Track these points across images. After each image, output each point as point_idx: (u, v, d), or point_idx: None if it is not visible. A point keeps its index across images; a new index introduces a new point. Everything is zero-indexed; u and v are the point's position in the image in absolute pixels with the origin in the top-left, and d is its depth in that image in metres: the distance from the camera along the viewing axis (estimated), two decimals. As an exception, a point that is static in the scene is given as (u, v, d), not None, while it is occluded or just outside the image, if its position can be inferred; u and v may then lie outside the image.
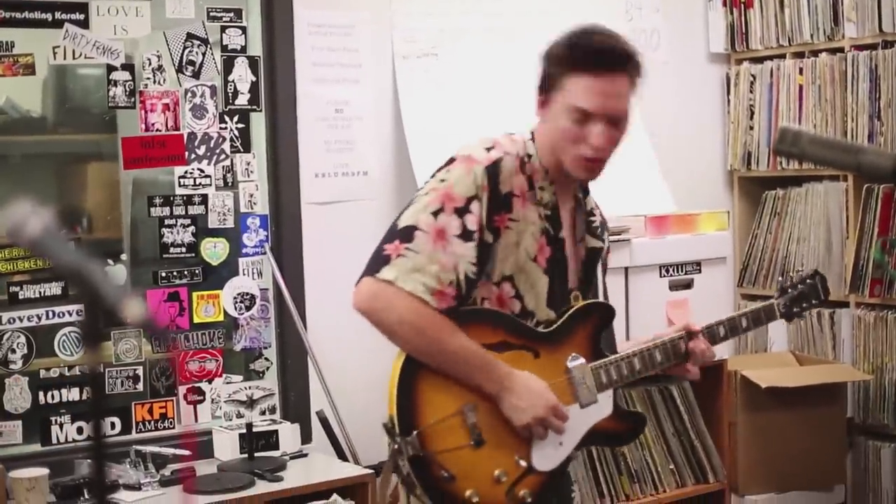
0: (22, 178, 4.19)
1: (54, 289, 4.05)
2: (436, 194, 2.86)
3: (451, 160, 2.92)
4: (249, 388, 4.43)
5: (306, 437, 4.40)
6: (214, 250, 4.38)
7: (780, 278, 3.39)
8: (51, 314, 4.06)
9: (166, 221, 4.29)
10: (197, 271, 4.35)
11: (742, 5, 5.59)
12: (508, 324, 2.92)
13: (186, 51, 4.29)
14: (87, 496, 3.75)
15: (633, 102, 2.96)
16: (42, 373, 4.08)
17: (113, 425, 4.17)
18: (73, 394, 4.12)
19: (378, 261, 2.82)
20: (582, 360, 2.98)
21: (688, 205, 5.08)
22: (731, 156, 5.68)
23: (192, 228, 4.33)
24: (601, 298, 3.14)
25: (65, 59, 4.08)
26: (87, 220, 4.32)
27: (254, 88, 4.43)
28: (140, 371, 4.24)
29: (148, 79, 4.23)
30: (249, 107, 4.43)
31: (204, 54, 4.32)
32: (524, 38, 4.93)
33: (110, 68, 4.16)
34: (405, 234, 2.83)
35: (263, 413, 4.44)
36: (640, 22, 5.40)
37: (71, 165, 4.36)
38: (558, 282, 2.98)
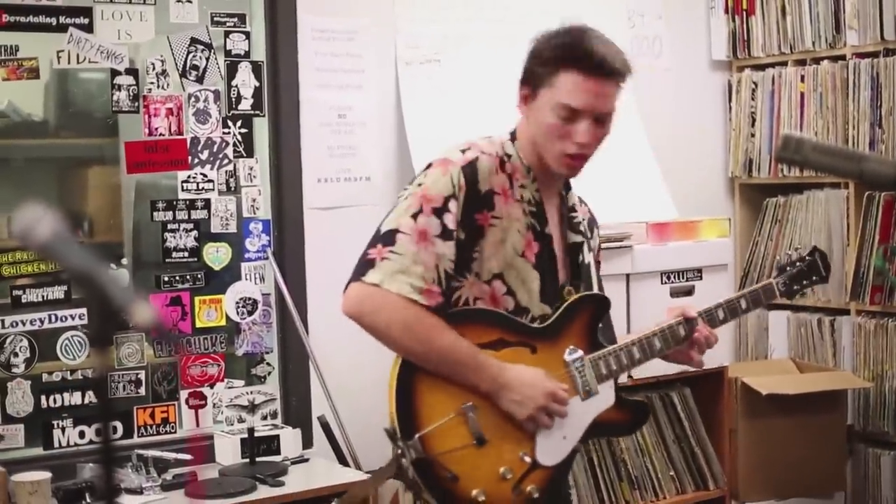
0: (23, 182, 4.19)
1: (57, 293, 4.06)
2: (414, 198, 2.89)
3: (429, 166, 2.96)
4: (251, 392, 4.44)
5: (307, 442, 4.41)
6: (217, 255, 4.39)
7: (778, 257, 3.36)
8: (53, 318, 4.07)
9: (169, 226, 4.30)
10: (199, 276, 4.35)
11: (744, 13, 5.60)
12: (503, 321, 2.94)
13: (190, 55, 4.30)
14: (88, 500, 3.75)
15: (618, 102, 2.98)
16: (44, 376, 4.09)
17: (115, 429, 4.18)
18: (76, 398, 4.12)
19: (363, 265, 2.86)
20: (580, 353, 2.99)
21: (689, 212, 5.09)
22: (733, 163, 5.69)
23: (194, 233, 4.34)
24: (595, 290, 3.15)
25: (69, 63, 4.09)
26: (88, 224, 4.32)
27: (257, 93, 4.43)
28: (142, 375, 4.25)
29: (152, 83, 4.24)
30: (252, 112, 4.44)
31: (207, 59, 4.33)
32: (526, 44, 4.94)
33: (114, 73, 4.17)
34: (387, 238, 2.86)
35: (265, 418, 4.44)
36: (642, 29, 5.41)
37: (72, 169, 4.36)
38: (549, 277, 3.00)
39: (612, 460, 4.61)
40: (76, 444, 4.12)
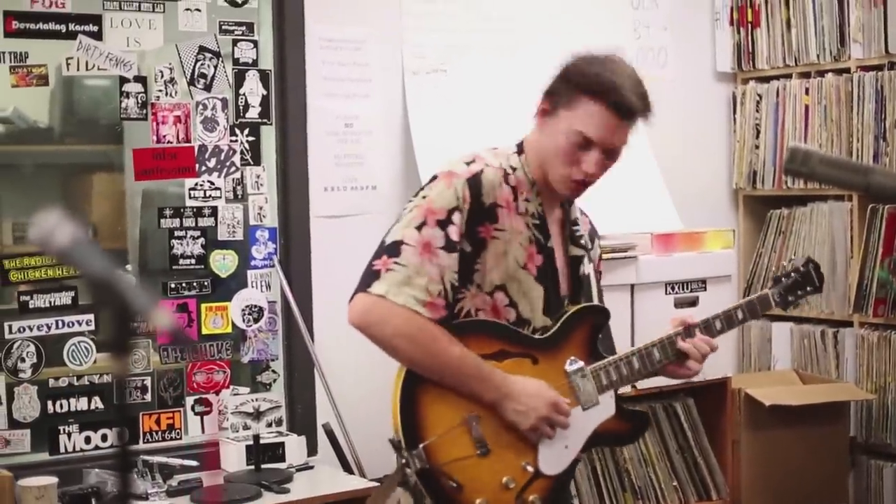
0: (28, 189, 4.21)
1: (64, 298, 4.08)
2: (419, 210, 2.91)
3: (434, 178, 2.98)
4: (256, 399, 4.45)
5: (312, 450, 4.42)
6: (223, 262, 4.40)
7: (774, 268, 3.40)
8: (60, 323, 4.08)
9: (176, 233, 4.31)
10: (206, 283, 4.37)
11: (749, 25, 5.62)
12: (505, 332, 2.96)
13: (198, 63, 4.32)
14: (94, 505, 3.78)
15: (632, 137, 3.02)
16: (51, 382, 4.10)
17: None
18: (82, 403, 4.14)
19: (368, 276, 2.88)
20: (581, 363, 3.02)
21: (693, 223, 5.10)
22: (737, 174, 5.70)
23: (201, 240, 4.35)
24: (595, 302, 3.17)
25: (78, 70, 4.11)
26: (92, 231, 4.33)
27: (264, 102, 4.45)
28: (148, 381, 4.26)
29: (160, 91, 4.26)
30: (260, 120, 4.46)
31: (216, 67, 4.35)
32: (532, 54, 4.97)
33: (123, 80, 4.19)
34: (392, 250, 2.88)
35: (270, 425, 4.45)
36: (647, 40, 5.43)
37: (77, 176, 4.37)
38: (551, 290, 3.02)
39: (616, 470, 4.62)
40: (82, 450, 4.13)
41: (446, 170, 2.96)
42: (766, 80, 5.60)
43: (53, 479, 3.72)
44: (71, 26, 4.08)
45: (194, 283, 4.35)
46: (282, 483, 4.02)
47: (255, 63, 4.44)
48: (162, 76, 4.27)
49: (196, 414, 4.36)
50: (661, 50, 5.48)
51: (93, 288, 1.40)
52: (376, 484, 4.03)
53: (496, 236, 2.93)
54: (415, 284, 2.84)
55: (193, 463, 4.09)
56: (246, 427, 4.40)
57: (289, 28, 4.48)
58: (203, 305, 4.36)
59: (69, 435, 4.12)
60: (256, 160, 4.45)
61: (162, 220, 4.30)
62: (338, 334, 4.46)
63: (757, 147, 5.61)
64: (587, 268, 3.14)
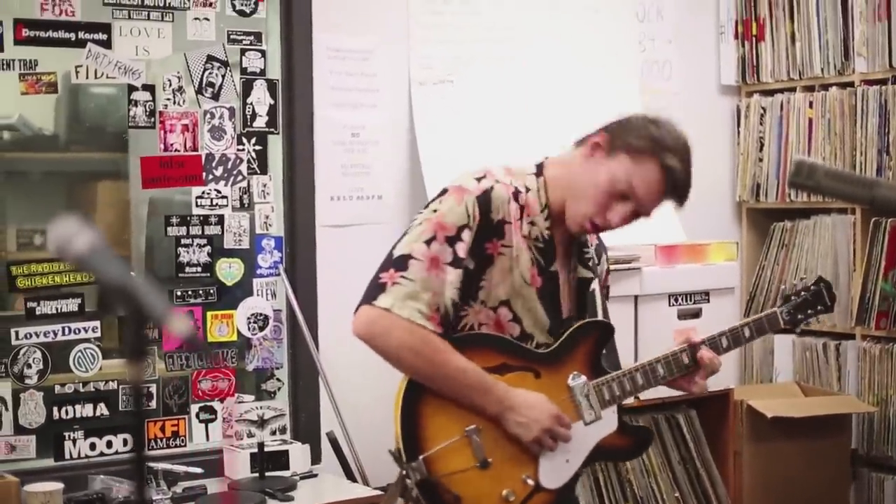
0: (33, 196, 4.22)
1: (71, 305, 4.10)
2: (428, 224, 2.92)
3: (444, 191, 2.99)
4: (261, 407, 4.46)
5: (316, 458, 4.43)
6: (229, 270, 4.42)
7: (784, 286, 3.40)
8: (67, 330, 4.10)
9: (183, 241, 4.33)
10: (212, 291, 4.39)
11: (753, 38, 5.64)
12: (507, 346, 2.97)
13: (206, 72, 4.35)
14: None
15: None
16: (57, 388, 4.12)
17: (125, 442, 4.21)
18: (87, 410, 4.15)
19: (374, 289, 2.90)
20: (583, 378, 3.03)
21: (697, 235, 5.12)
22: (741, 187, 5.72)
23: (207, 248, 4.37)
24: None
25: (87, 78, 4.14)
26: (98, 238, 4.34)
27: (272, 111, 4.48)
28: (153, 389, 4.28)
29: (168, 99, 4.28)
30: (267, 129, 4.48)
31: (223, 76, 4.37)
32: (538, 67, 5.00)
33: (131, 88, 4.21)
34: (400, 263, 2.90)
35: (274, 433, 4.46)
36: (652, 53, 5.46)
37: (81, 184, 4.38)
38: (551, 312, 3.03)
39: (618, 480, 4.63)
40: (87, 456, 4.15)
41: (457, 184, 2.97)
42: (770, 93, 5.62)
43: (59, 485, 3.73)
44: (80, 34, 4.11)
45: (200, 291, 4.37)
46: (286, 491, 4.03)
47: (262, 72, 4.47)
48: (170, 85, 4.29)
49: (201, 421, 4.37)
50: (665, 63, 5.50)
51: (110, 294, 1.41)
52: (380, 493, 4.05)
53: (503, 252, 2.94)
54: (420, 298, 2.86)
55: (198, 470, 4.10)
56: (250, 435, 4.41)
57: (297, 38, 4.50)
58: (209, 313, 4.38)
59: (74, 441, 4.13)
60: (263, 169, 4.47)
61: (169, 228, 4.32)
62: (342, 343, 4.46)
63: (760, 160, 5.63)
64: (593, 284, 3.16)
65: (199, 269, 4.36)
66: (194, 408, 4.37)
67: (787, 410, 4.87)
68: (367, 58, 4.65)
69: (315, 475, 4.28)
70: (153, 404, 4.29)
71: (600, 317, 3.15)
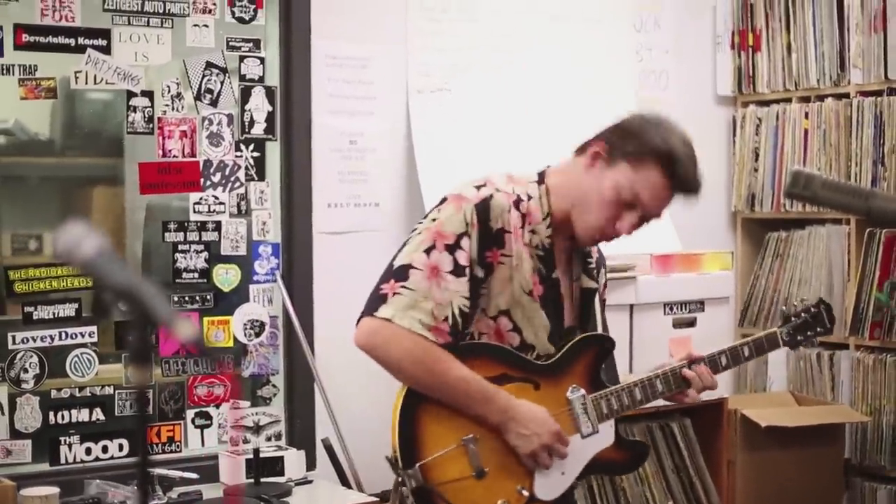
0: (29, 201, 4.22)
1: (68, 310, 4.10)
2: (428, 233, 2.92)
3: (443, 200, 2.99)
4: (256, 413, 4.47)
5: (311, 464, 4.43)
6: (226, 277, 4.43)
7: (784, 307, 3.42)
8: (64, 335, 4.11)
9: (180, 247, 4.34)
10: (209, 297, 4.39)
11: (750, 49, 5.67)
12: (508, 357, 2.97)
13: (205, 79, 4.36)
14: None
15: None
16: (53, 393, 4.12)
17: (121, 447, 4.21)
18: (83, 414, 4.16)
19: (375, 300, 2.90)
20: (582, 392, 3.03)
21: (692, 244, 5.14)
22: (736, 197, 5.74)
23: (205, 254, 4.38)
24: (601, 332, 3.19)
25: (86, 83, 4.15)
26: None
27: (270, 118, 4.49)
28: (149, 394, 4.28)
29: (166, 105, 4.29)
30: (265, 136, 4.49)
31: (222, 83, 4.38)
32: (536, 76, 5.01)
33: (130, 94, 4.22)
34: (400, 273, 2.90)
35: (269, 439, 4.47)
36: (649, 63, 5.48)
37: (77, 189, 4.38)
38: (554, 320, 3.03)
39: (612, 488, 4.63)
40: (82, 461, 4.15)
41: (456, 193, 2.97)
42: (766, 103, 5.64)
43: (55, 489, 3.73)
44: (80, 40, 4.12)
45: (197, 297, 4.38)
46: (281, 497, 4.04)
47: (261, 79, 4.48)
48: (169, 91, 4.30)
49: (196, 427, 4.38)
50: (662, 73, 5.53)
51: (116, 299, 1.42)
52: (374, 499, 4.06)
53: (502, 262, 2.94)
54: (421, 308, 2.86)
55: (194, 476, 4.10)
56: (245, 441, 4.42)
57: (295, 45, 4.51)
58: (205, 319, 4.39)
59: (70, 446, 4.14)
60: (261, 176, 4.48)
61: (166, 234, 4.33)
62: (338, 349, 4.48)
63: (756, 170, 5.65)
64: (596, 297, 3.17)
65: (196, 274, 4.37)
66: (190, 413, 4.37)
67: (781, 420, 4.88)
68: (365, 65, 4.66)
69: (310, 481, 4.28)
70: (149, 409, 4.28)
71: (600, 329, 3.17)
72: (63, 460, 4.13)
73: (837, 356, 5.29)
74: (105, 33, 4.17)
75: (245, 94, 4.44)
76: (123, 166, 4.33)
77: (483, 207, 2.92)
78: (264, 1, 4.47)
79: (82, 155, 4.34)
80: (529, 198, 2.99)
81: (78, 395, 4.16)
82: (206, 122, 4.37)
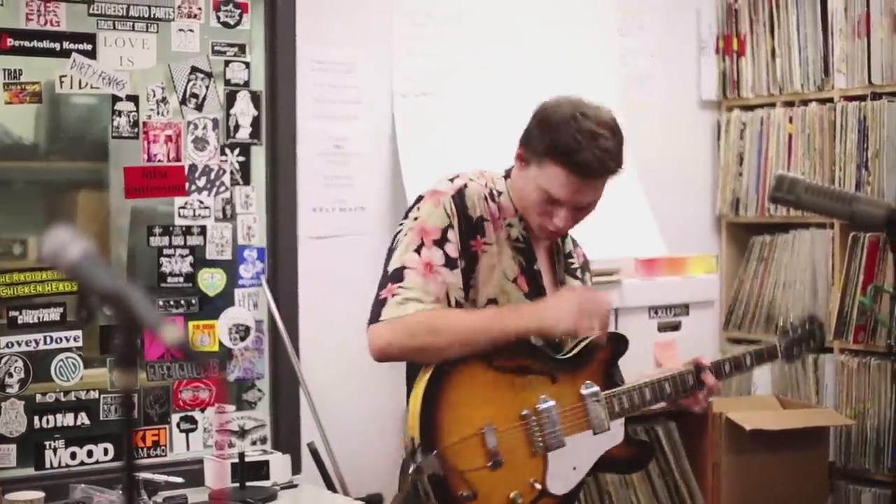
0: (11, 205, 4.20)
1: (53, 314, 4.10)
2: (413, 233, 2.97)
3: (420, 198, 3.05)
4: (242, 418, 4.47)
5: (296, 468, 4.43)
6: (211, 281, 4.43)
7: (781, 323, 3.55)
8: (49, 339, 4.10)
9: (165, 251, 4.34)
10: (193, 301, 4.39)
11: (734, 54, 5.68)
12: (526, 349, 3.02)
13: (190, 83, 4.36)
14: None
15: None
16: (38, 397, 4.11)
17: (106, 451, 4.21)
18: (68, 419, 4.15)
19: (377, 306, 2.95)
20: (596, 388, 3.08)
21: (677, 248, 5.15)
22: (720, 201, 5.76)
23: (190, 259, 4.38)
24: None
25: (71, 88, 4.14)
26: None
27: (255, 122, 4.49)
28: (134, 398, 4.27)
29: (151, 110, 4.29)
30: (250, 140, 4.49)
31: (207, 87, 4.38)
32: (520, 79, 5.02)
33: (115, 98, 4.22)
34: (396, 276, 2.95)
35: (254, 443, 4.47)
36: (634, 67, 5.49)
37: (61, 193, 4.36)
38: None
39: (598, 492, 4.65)
40: (67, 465, 4.14)
41: (431, 189, 3.04)
42: (751, 108, 5.66)
43: (40, 494, 3.72)
44: (65, 44, 4.11)
45: (182, 302, 4.37)
46: (266, 501, 4.03)
47: (246, 84, 4.48)
48: (154, 95, 4.30)
49: (182, 431, 4.38)
50: (647, 77, 5.54)
51: (103, 303, 1.42)
52: (359, 503, 4.06)
53: (485, 250, 3.00)
54: (421, 300, 2.91)
55: (179, 479, 4.09)
56: (231, 445, 4.42)
57: (280, 49, 4.51)
58: (191, 323, 4.38)
59: (55, 450, 4.13)
60: (246, 180, 4.48)
61: (151, 238, 4.32)
62: (323, 354, 4.50)
63: (740, 174, 5.67)
64: None
65: (182, 279, 4.37)
66: (175, 417, 4.37)
67: (766, 423, 4.89)
68: (350, 69, 4.67)
69: (295, 485, 4.27)
70: (134, 413, 4.28)
71: None
72: (48, 465, 4.13)
73: (822, 360, 5.30)
74: (90, 38, 4.16)
75: (230, 99, 4.44)
76: (108, 171, 4.33)
77: (459, 197, 3.00)
78: (249, 6, 4.47)
79: (67, 159, 4.33)
80: (500, 193, 3.06)
81: (63, 399, 4.15)
82: (192, 126, 4.37)
